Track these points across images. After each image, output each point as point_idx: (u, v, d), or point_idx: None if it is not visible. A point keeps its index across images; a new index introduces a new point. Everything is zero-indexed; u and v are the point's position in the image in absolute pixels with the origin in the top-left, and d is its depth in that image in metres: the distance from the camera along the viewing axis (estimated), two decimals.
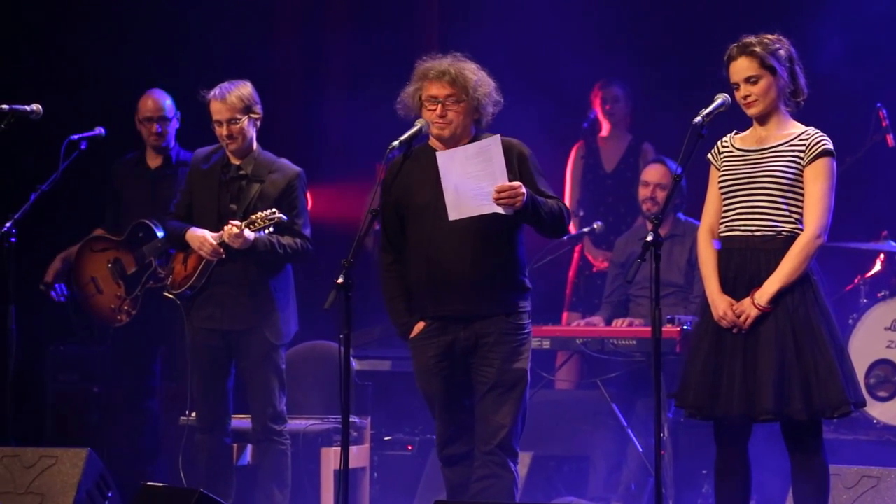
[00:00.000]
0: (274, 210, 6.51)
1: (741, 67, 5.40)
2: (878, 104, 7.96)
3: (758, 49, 5.39)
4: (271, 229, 6.52)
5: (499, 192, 5.45)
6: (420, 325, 5.73)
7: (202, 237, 6.59)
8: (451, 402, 5.72)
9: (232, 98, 6.59)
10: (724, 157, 5.53)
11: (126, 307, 7.70)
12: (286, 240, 6.61)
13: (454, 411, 5.73)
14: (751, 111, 5.45)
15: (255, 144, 6.74)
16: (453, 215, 5.56)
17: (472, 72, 5.68)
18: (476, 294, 5.63)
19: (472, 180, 5.50)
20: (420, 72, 5.71)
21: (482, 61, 5.79)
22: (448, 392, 5.71)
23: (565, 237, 8.18)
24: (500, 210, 5.48)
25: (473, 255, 5.62)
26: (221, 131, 6.63)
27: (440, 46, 5.98)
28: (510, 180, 5.52)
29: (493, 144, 5.49)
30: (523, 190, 5.48)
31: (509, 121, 5.88)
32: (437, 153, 5.57)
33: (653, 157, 8.12)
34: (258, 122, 6.71)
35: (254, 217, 6.51)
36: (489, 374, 5.64)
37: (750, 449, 5.48)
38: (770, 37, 5.44)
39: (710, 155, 5.58)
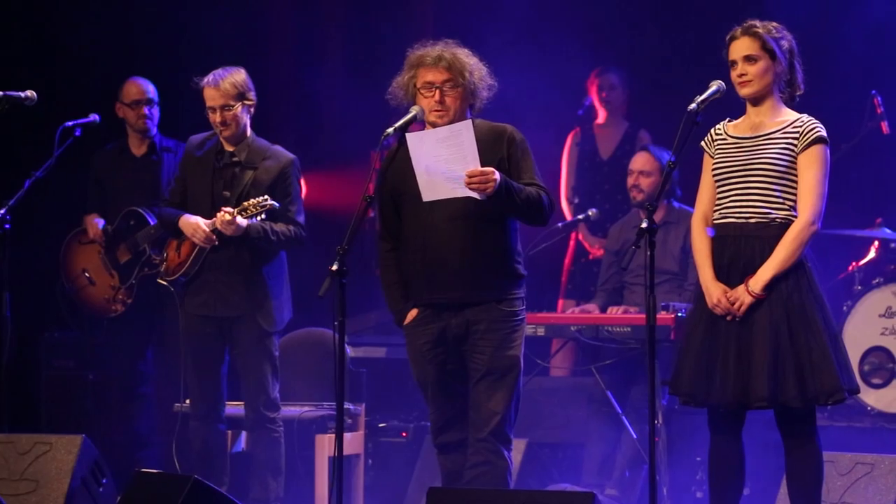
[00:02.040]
0: (266, 197, 6.51)
1: (742, 46, 5.41)
2: (873, 91, 7.96)
3: (761, 31, 5.41)
4: (263, 216, 6.52)
5: (469, 176, 5.44)
6: (413, 313, 5.73)
7: (195, 224, 6.59)
8: (444, 388, 5.72)
9: (225, 84, 6.59)
10: (718, 144, 5.53)
11: (121, 296, 7.70)
12: (279, 227, 6.61)
13: (448, 398, 5.72)
14: (743, 91, 5.45)
15: (248, 131, 6.74)
16: (427, 197, 5.56)
17: (467, 56, 5.67)
18: (466, 281, 5.62)
19: (444, 163, 5.48)
20: (413, 59, 5.68)
21: (477, 45, 5.78)
22: (441, 379, 5.71)
23: (560, 224, 8.22)
24: (472, 194, 5.47)
25: (464, 242, 5.60)
26: (215, 118, 6.64)
27: (436, 30, 5.97)
28: (497, 165, 5.51)
29: (463, 129, 5.47)
30: (496, 176, 5.45)
31: (504, 106, 5.87)
32: (407, 135, 5.55)
33: (641, 146, 8.13)
34: (252, 109, 6.71)
35: (246, 204, 6.51)
36: (481, 361, 5.64)
37: (744, 436, 5.49)
38: (775, 24, 5.46)
39: (703, 142, 5.58)
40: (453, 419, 5.73)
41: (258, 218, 6.51)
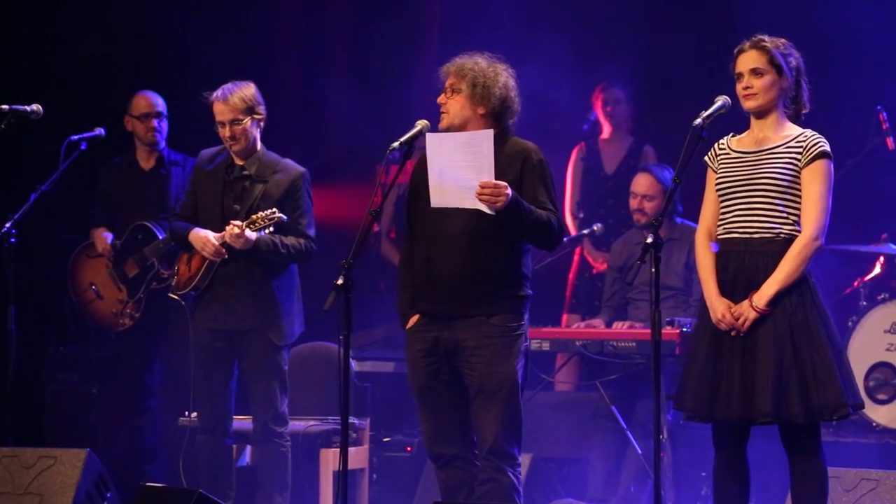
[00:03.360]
0: (274, 210, 6.52)
1: (749, 58, 5.42)
2: (878, 107, 7.97)
3: (769, 45, 5.42)
4: (272, 229, 6.52)
5: (482, 187, 5.42)
6: (414, 318, 5.73)
7: (205, 238, 6.60)
8: (433, 398, 5.68)
9: (234, 99, 6.61)
10: (721, 159, 5.53)
11: (129, 310, 7.71)
12: (289, 240, 6.62)
13: (438, 409, 5.68)
14: (748, 104, 5.45)
15: (258, 145, 6.75)
16: (435, 202, 5.55)
17: (475, 63, 5.66)
18: (457, 295, 5.60)
19: (458, 170, 5.47)
20: None
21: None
22: (432, 388, 5.68)
23: (564, 239, 8.22)
24: (482, 207, 5.45)
25: (465, 256, 5.59)
26: (224, 132, 6.65)
27: (441, 43, 5.98)
28: (506, 180, 5.50)
29: (484, 137, 5.45)
30: (508, 191, 5.42)
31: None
32: (427, 135, 5.56)
33: (640, 167, 8.11)
34: (262, 123, 6.72)
35: (254, 217, 6.52)
36: (473, 378, 5.61)
37: (749, 451, 5.48)
38: (784, 41, 5.47)
39: (706, 157, 5.58)
40: (446, 432, 5.68)
41: (267, 231, 6.52)
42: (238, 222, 6.50)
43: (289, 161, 6.78)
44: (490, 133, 5.47)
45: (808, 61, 5.53)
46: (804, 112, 5.52)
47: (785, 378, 5.27)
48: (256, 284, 6.65)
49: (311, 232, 6.71)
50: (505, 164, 5.54)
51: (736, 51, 5.47)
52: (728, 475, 5.46)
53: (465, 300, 5.60)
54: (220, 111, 6.64)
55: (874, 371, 7.73)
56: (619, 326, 7.51)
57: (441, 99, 5.68)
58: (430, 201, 5.60)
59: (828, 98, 5.83)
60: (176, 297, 6.81)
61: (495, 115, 5.68)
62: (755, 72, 5.41)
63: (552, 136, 8.64)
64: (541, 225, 5.56)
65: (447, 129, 5.67)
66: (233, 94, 6.62)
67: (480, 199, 5.43)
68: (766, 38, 5.45)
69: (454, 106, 5.66)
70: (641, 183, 7.69)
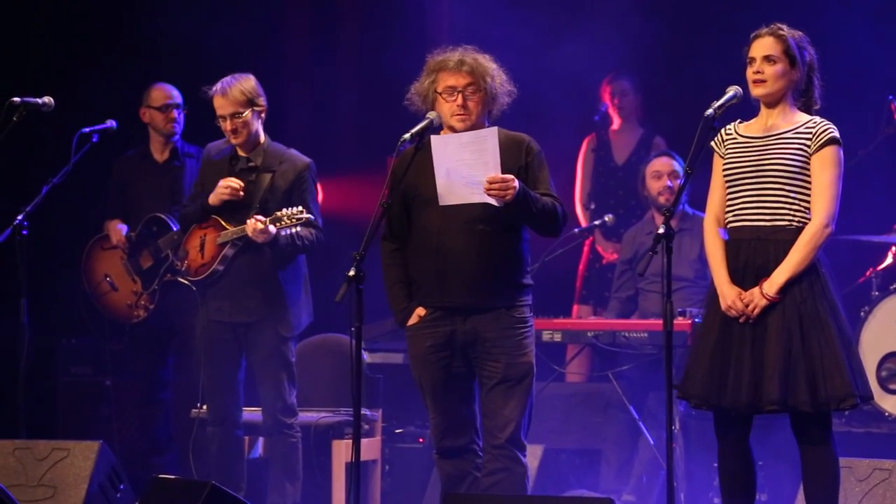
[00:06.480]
0: (301, 209, 6.50)
1: (764, 44, 5.40)
2: (890, 97, 7.96)
3: (786, 35, 5.41)
4: (298, 228, 6.52)
5: (490, 182, 5.43)
6: (420, 312, 5.72)
7: (220, 185, 6.60)
8: (446, 392, 5.71)
9: (234, 92, 6.60)
10: (728, 144, 5.50)
11: (143, 302, 7.71)
12: (303, 231, 6.63)
13: (450, 402, 5.71)
14: (756, 90, 5.43)
15: (262, 136, 6.74)
16: (444, 201, 5.56)
17: (487, 61, 5.69)
18: (480, 287, 5.61)
19: (465, 168, 5.48)
20: (434, 64, 5.69)
21: (491, 51, 5.78)
22: (445, 382, 5.70)
23: (576, 230, 8.22)
24: (490, 201, 5.47)
25: (480, 249, 5.61)
26: (225, 126, 6.65)
27: (451, 34, 5.96)
28: (517, 174, 5.52)
29: (488, 135, 5.47)
30: (515, 184, 5.45)
31: (518, 111, 5.87)
32: (432, 137, 5.55)
33: (656, 152, 8.09)
34: (263, 115, 6.71)
35: (279, 214, 6.50)
36: (496, 368, 5.63)
37: (762, 441, 5.47)
38: (801, 33, 5.46)
39: (713, 143, 5.54)
40: (456, 423, 5.71)
41: (292, 230, 6.51)
42: (261, 217, 6.50)
43: (294, 151, 6.78)
44: (494, 131, 5.49)
45: (819, 49, 5.51)
46: (815, 109, 5.49)
47: (793, 366, 5.26)
48: (263, 276, 6.65)
49: (319, 222, 6.72)
50: (505, 155, 5.53)
51: (752, 35, 5.46)
52: (732, 465, 5.45)
53: (485, 293, 5.63)
54: (221, 105, 6.64)
55: (886, 361, 7.71)
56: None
57: (459, 101, 5.62)
58: (429, 201, 5.62)
59: (839, 87, 5.81)
60: (187, 283, 6.82)
61: (492, 111, 5.73)
62: (768, 59, 5.40)
63: (563, 126, 8.65)
64: (547, 213, 5.60)
65: (471, 130, 5.62)
66: (232, 88, 6.61)
67: (489, 195, 5.45)
68: (785, 27, 5.44)
69: (476, 106, 5.66)
70: (667, 163, 7.68)
